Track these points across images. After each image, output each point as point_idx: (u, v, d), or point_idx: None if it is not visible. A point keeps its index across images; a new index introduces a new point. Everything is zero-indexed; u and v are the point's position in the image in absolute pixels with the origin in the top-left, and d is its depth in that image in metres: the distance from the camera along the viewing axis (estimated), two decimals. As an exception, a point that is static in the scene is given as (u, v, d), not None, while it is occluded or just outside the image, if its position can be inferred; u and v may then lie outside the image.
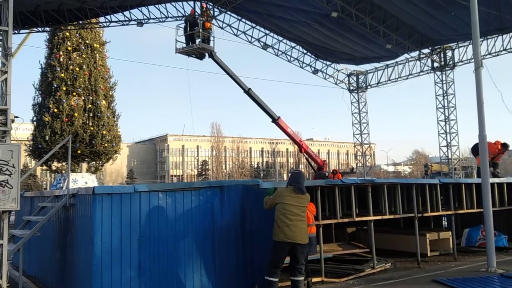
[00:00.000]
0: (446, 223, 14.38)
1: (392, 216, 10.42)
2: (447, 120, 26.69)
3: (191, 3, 23.34)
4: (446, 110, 26.68)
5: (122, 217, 6.96)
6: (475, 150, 15.32)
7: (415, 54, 26.51)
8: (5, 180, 6.56)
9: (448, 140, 26.77)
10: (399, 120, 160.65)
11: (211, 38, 18.73)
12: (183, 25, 19.00)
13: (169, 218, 7.41)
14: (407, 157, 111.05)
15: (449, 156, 26.89)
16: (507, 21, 20.11)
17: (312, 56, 29.21)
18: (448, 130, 26.72)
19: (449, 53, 26.56)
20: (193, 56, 19.33)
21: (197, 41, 18.46)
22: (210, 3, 23.90)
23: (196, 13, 19.40)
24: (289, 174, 7.90)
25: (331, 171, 24.63)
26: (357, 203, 10.70)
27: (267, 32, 26.44)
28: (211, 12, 23.24)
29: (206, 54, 19.12)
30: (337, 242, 11.63)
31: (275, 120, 21.03)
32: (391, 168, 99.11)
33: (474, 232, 12.84)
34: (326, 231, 10.97)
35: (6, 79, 7.10)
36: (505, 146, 15.45)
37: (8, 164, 6.57)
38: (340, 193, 10.13)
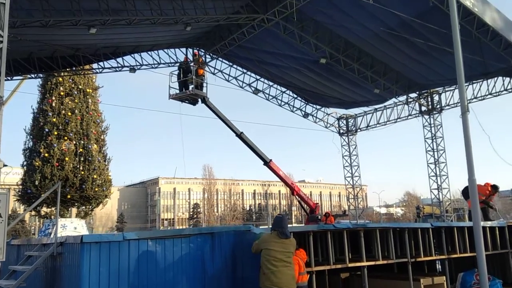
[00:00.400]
0: (440, 266, 14.22)
1: (385, 262, 10.30)
2: (436, 162, 26.95)
3: (184, 50, 23.88)
4: (436, 153, 26.98)
5: (111, 266, 6.81)
6: (465, 193, 15.41)
7: (403, 98, 27.10)
8: (-9, 230, 6.45)
9: (439, 183, 26.93)
10: (389, 161, 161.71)
11: (204, 84, 19.03)
12: (176, 72, 19.33)
13: (159, 267, 7.26)
14: (399, 198, 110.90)
15: (441, 199, 26.96)
16: (490, 66, 20.71)
17: (302, 100, 29.68)
18: (438, 173, 26.92)
19: (436, 97, 27.13)
20: (186, 102, 19.57)
21: (190, 87, 18.73)
22: (202, 50, 24.45)
23: (189, 60, 19.79)
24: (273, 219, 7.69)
25: (324, 213, 24.51)
26: (350, 247, 10.60)
27: (258, 77, 26.94)
28: (203, 58, 23.75)
29: (199, 100, 19.36)
30: (330, 289, 11.40)
31: (267, 162, 21.13)
32: (383, 210, 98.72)
33: (468, 276, 12.66)
34: (319, 278, 10.78)
35: (-3, 127, 7.12)
36: (495, 188, 15.54)
37: (-5, 213, 6.48)
38: (333, 238, 10.04)
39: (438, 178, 26.95)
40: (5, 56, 7.55)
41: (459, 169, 24.01)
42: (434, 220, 27.62)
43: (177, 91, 19.22)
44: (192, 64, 19.24)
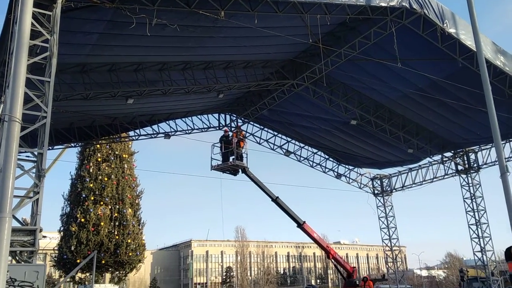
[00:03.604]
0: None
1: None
2: (478, 224, 25.83)
3: (216, 115, 24.56)
4: (476, 214, 25.93)
5: None
6: (507, 255, 14.63)
7: (438, 157, 26.57)
8: (29, 303, 6.51)
9: (482, 245, 25.66)
10: (428, 221, 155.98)
11: (244, 156, 19.49)
12: (218, 144, 19.99)
13: None
14: (440, 260, 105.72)
15: (485, 261, 25.57)
16: (527, 124, 20.26)
17: (334, 161, 29.55)
18: (480, 234, 25.73)
19: (472, 156, 26.47)
20: (227, 172, 20.04)
21: (231, 158, 19.23)
22: (234, 115, 25.09)
23: (229, 133, 20.47)
24: None
25: (362, 278, 23.57)
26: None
27: (289, 139, 27.19)
28: (238, 124, 24.32)
29: (240, 170, 19.80)
30: None
31: (301, 225, 20.83)
32: (424, 273, 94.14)
33: None
34: None
35: (37, 199, 7.37)
36: None
37: (32, 286, 6.57)
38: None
39: (481, 239, 25.70)
40: (48, 131, 7.95)
41: (504, 230, 22.85)
42: (480, 284, 26.08)
43: (219, 162, 19.75)
44: (232, 136, 19.85)
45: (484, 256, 25.64)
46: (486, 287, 25.65)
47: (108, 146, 24.70)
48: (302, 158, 28.35)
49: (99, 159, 24.17)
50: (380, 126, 22.27)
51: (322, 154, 29.07)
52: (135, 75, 16.68)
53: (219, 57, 17.82)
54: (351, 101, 21.10)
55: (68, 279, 27.63)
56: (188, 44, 15.61)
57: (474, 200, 26.11)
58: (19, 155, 8.20)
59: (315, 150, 28.54)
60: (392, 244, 30.69)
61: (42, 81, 8.64)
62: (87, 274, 23.08)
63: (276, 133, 26.85)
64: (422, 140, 23.69)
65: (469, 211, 26.26)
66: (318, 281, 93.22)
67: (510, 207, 9.78)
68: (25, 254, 7.28)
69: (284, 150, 27.52)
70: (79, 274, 23.53)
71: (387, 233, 30.86)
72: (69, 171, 26.79)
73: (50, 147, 19.76)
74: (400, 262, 34.34)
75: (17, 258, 7.38)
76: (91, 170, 23.77)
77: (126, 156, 25.32)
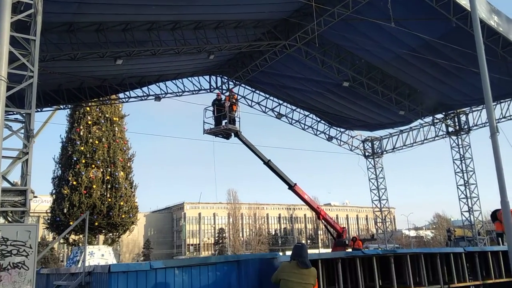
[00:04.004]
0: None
1: (417, 288, 9.99)
2: (466, 184, 26.27)
3: (207, 77, 24.28)
4: (465, 175, 26.34)
5: (138, 295, 6.81)
6: (493, 216, 14.97)
7: (429, 119, 26.70)
8: (21, 261, 6.54)
9: (470, 205, 26.19)
10: (417, 182, 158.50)
11: (237, 119, 19.45)
12: (210, 108, 19.88)
13: (186, 296, 7.22)
14: (428, 221, 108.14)
15: (472, 221, 26.17)
16: (518, 85, 20.30)
17: (326, 123, 29.58)
18: (468, 195, 26.22)
19: (463, 118, 26.63)
20: (220, 136, 20.08)
21: (223, 122, 19.21)
22: (225, 77, 24.81)
23: (221, 96, 20.35)
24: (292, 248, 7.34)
25: (351, 238, 24.04)
26: (380, 273, 10.33)
27: (281, 102, 27.08)
28: (229, 86, 24.09)
29: (232, 134, 19.83)
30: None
31: (292, 187, 21.01)
32: (412, 233, 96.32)
33: (505, 303, 12.17)
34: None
35: (27, 160, 7.30)
36: None
37: (25, 245, 6.59)
38: (362, 264, 9.82)
39: (469, 200, 26.22)
40: (35, 91, 7.79)
41: (491, 190, 23.26)
42: (466, 243, 26.75)
43: (211, 126, 19.74)
44: (225, 100, 19.75)
45: (472, 216, 26.22)
46: (472, 246, 26.36)
47: (98, 109, 24.37)
48: (293, 121, 28.35)
49: (90, 122, 23.88)
50: (372, 87, 22.19)
51: (314, 117, 29.06)
52: (124, 35, 16.30)
53: (209, 17, 17.42)
54: (343, 62, 20.91)
55: (62, 241, 27.89)
56: (178, 2, 15.20)
57: (463, 161, 26.46)
58: (7, 116, 8.07)
59: (306, 113, 28.50)
60: (382, 205, 31.22)
61: (27, 39, 8.39)
62: (81, 236, 23.23)
63: (267, 96, 26.69)
64: (414, 102, 23.70)
65: (458, 172, 26.65)
66: (309, 241, 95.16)
67: (498, 168, 9.88)
68: (17, 215, 7.27)
69: (276, 113, 27.46)
70: (72, 236, 23.69)
71: (377, 194, 31.34)
72: (59, 134, 26.63)
73: (39, 109, 19.48)
74: (389, 223, 35.02)
75: (9, 218, 7.38)
76: (81, 133, 23.52)
77: (117, 119, 25.03)
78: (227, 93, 22.49)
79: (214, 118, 19.81)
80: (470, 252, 11.19)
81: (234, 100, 20.05)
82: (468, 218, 26.38)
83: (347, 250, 17.84)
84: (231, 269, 7.77)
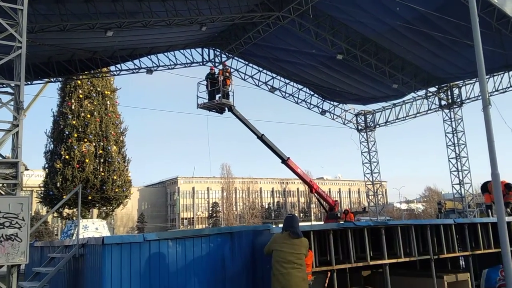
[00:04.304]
0: (463, 263, 13.97)
1: (407, 259, 10.16)
2: (458, 157, 26.51)
3: (199, 50, 23.99)
4: (457, 148, 26.54)
5: (132, 267, 6.86)
6: (483, 188, 15.19)
7: (422, 93, 26.72)
8: (14, 233, 6.56)
9: (461, 178, 26.49)
10: (409, 156, 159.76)
11: (231, 94, 19.35)
12: (203, 82, 19.75)
13: (180, 267, 7.29)
14: (419, 194, 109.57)
15: (463, 194, 26.52)
16: (511, 58, 20.28)
17: (319, 97, 29.51)
18: (459, 168, 26.49)
19: (456, 91, 26.67)
20: (214, 110, 20.03)
21: (217, 96, 19.10)
22: (218, 50, 24.52)
23: (215, 70, 20.18)
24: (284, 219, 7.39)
25: (343, 211, 24.36)
26: (371, 245, 10.49)
27: (274, 75, 26.90)
28: (222, 59, 23.80)
29: (226, 108, 19.78)
30: (352, 287, 11.31)
31: (285, 160, 21.11)
32: (404, 206, 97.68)
33: (493, 273, 12.41)
34: (340, 275, 10.69)
35: (17, 132, 7.22)
36: (508, 187, 15.13)
37: (17, 217, 6.58)
38: (354, 236, 9.94)
39: (460, 173, 26.51)
40: (24, 61, 7.65)
41: (482, 163, 23.54)
42: (456, 216, 27.17)
43: (204, 101, 19.65)
44: (218, 74, 19.59)
45: (462, 189, 26.56)
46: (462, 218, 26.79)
47: (89, 83, 24.06)
48: (287, 95, 28.24)
49: (81, 96, 23.60)
50: (366, 60, 22.04)
51: (307, 91, 28.95)
52: (114, 6, 15.96)
53: (202, -14, 17.10)
54: (337, 34, 20.69)
55: (55, 215, 27.97)
56: (169, -28, 14.87)
57: (455, 134, 26.63)
58: (-4, 89, 7.96)
59: (300, 87, 28.37)
60: (374, 179, 31.50)
61: (14, 9, 8.20)
62: (74, 209, 23.28)
63: (261, 69, 26.47)
64: (407, 75, 23.63)
65: (450, 145, 26.85)
66: (301, 214, 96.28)
67: (490, 140, 9.94)
68: (9, 187, 7.24)
69: (269, 87, 27.31)
70: (66, 210, 23.74)
71: (369, 168, 31.58)
72: (51, 108, 26.33)
73: (29, 82, 19.22)
74: (381, 196, 35.44)
75: (1, 191, 7.35)
76: (73, 107, 23.26)
77: (109, 92, 24.75)
78: (220, 67, 22.32)
79: (208, 93, 19.74)
80: (460, 223, 11.34)
81: (227, 74, 19.94)
82: (459, 191, 26.71)
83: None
84: (225, 240, 7.84)
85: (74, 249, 7.77)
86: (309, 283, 7.37)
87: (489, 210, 15.19)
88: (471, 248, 11.33)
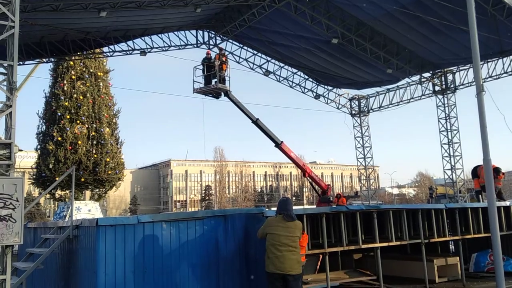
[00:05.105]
0: (453, 247, 14.19)
1: (398, 243, 10.30)
2: (450, 143, 26.67)
3: (194, 32, 23.77)
4: (449, 133, 26.69)
5: (126, 248, 6.91)
6: (473, 173, 15.34)
7: (416, 78, 26.75)
8: (8, 214, 6.56)
9: (452, 163, 26.69)
10: (402, 142, 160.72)
11: (227, 79, 19.29)
12: (200, 67, 19.69)
13: (173, 249, 7.35)
14: (411, 179, 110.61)
15: (454, 179, 26.77)
16: (506, 45, 20.29)
17: (314, 81, 29.43)
18: (452, 153, 26.67)
19: (450, 77, 26.70)
20: (210, 95, 20.02)
21: (213, 81, 19.04)
22: (212, 32, 24.30)
23: (211, 55, 20.10)
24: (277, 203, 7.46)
25: (335, 195, 24.53)
26: (363, 228, 10.60)
27: (269, 59, 26.74)
28: (217, 42, 23.60)
29: (222, 93, 19.75)
30: (343, 270, 11.47)
31: (278, 144, 21.18)
32: (395, 191, 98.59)
33: (482, 257, 12.65)
34: (332, 258, 10.84)
35: (10, 113, 7.17)
36: (497, 171, 15.25)
37: (11, 198, 6.58)
38: (346, 219, 10.04)
39: (452, 158, 26.70)
40: (17, 41, 7.56)
41: (473, 149, 23.66)
42: (447, 201, 27.47)
43: (201, 85, 19.60)
44: (215, 58, 19.50)
45: (454, 174, 26.79)
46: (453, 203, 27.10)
47: (82, 64, 23.80)
48: (281, 78, 28.15)
49: (74, 77, 23.37)
50: (361, 45, 21.96)
51: (302, 75, 28.85)
52: (107, -14, 15.73)
53: (196, -32, 16.86)
54: (333, 18, 20.55)
55: (48, 196, 27.92)
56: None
57: (448, 120, 26.75)
58: (-12, 69, 7.85)
59: (294, 70, 28.26)
60: (366, 163, 31.67)
61: (6, -13, 8.05)
62: (67, 191, 23.25)
63: (255, 52, 26.29)
64: (402, 60, 23.60)
65: (442, 131, 26.99)
66: (294, 198, 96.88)
67: (482, 126, 10.00)
68: (2, 168, 7.21)
69: (264, 70, 27.19)
70: (58, 191, 23.70)
71: (362, 152, 31.72)
72: (41, 89, 26.04)
73: (21, 62, 18.97)
74: (373, 181, 35.70)
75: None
76: (65, 88, 23.04)
77: (101, 74, 24.52)
78: (216, 50, 22.16)
79: (204, 77, 19.68)
80: (451, 208, 11.50)
81: (224, 59, 19.89)
82: (450, 176, 26.95)
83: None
84: (218, 223, 7.90)
85: (68, 231, 7.79)
86: (302, 264, 7.47)
87: (479, 196, 15.36)
88: (461, 232, 11.51)
